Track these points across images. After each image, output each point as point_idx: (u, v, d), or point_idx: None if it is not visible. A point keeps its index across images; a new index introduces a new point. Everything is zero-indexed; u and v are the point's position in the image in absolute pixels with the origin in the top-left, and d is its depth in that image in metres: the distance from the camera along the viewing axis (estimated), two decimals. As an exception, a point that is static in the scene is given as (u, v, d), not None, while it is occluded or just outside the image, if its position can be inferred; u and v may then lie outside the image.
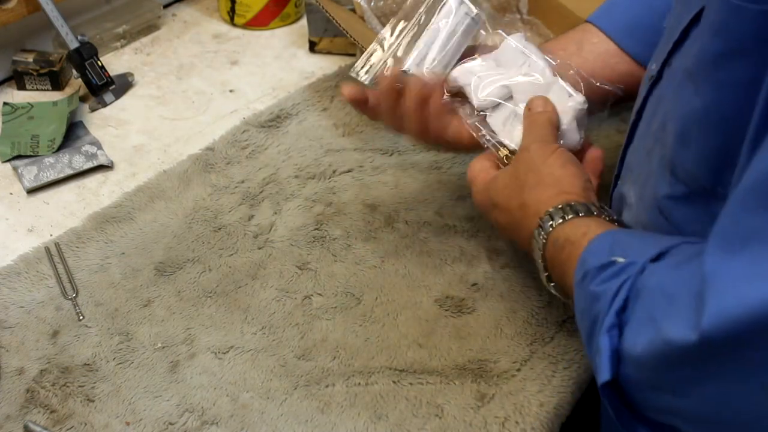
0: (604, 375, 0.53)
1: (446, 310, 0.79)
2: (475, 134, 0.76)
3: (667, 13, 0.67)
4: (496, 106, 0.76)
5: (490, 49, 0.79)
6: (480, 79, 0.76)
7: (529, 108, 0.74)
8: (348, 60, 1.12)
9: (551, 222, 0.64)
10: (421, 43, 0.76)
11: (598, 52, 0.80)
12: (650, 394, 0.53)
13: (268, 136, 0.99)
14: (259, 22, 1.18)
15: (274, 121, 1.01)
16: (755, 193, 0.45)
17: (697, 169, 0.56)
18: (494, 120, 0.76)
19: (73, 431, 0.69)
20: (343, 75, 1.08)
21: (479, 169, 0.75)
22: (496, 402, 0.71)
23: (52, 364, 0.74)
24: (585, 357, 0.75)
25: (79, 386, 0.72)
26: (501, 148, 0.75)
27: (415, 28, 0.77)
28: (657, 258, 0.54)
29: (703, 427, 0.50)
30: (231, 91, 1.08)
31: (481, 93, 0.75)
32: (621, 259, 0.55)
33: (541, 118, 0.73)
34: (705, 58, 0.54)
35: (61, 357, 0.75)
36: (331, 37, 1.12)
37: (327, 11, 0.99)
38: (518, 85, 0.75)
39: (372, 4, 1.09)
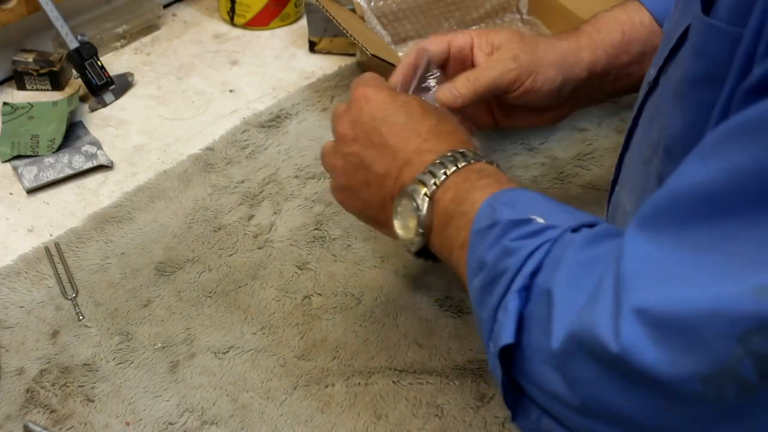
0: (507, 337, 0.50)
1: (446, 310, 0.79)
2: None
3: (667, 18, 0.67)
4: None
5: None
6: None
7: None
8: (348, 60, 1.12)
9: (475, 154, 0.62)
10: None
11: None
12: (545, 371, 0.49)
13: (268, 136, 0.99)
14: (259, 22, 1.18)
15: (274, 121, 1.01)
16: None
17: None
18: None
19: (73, 431, 0.69)
20: (343, 75, 1.09)
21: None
22: (496, 402, 0.71)
23: (52, 364, 0.74)
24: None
25: (79, 386, 0.72)
26: None
27: None
28: (577, 230, 0.52)
29: (582, 422, 0.48)
30: (231, 91, 1.08)
31: None
32: (540, 220, 0.53)
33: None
34: (686, 78, 0.53)
35: (61, 357, 0.75)
36: (331, 37, 1.12)
37: (327, 11, 0.99)
38: None
39: (372, 4, 1.09)
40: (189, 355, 0.75)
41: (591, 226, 0.53)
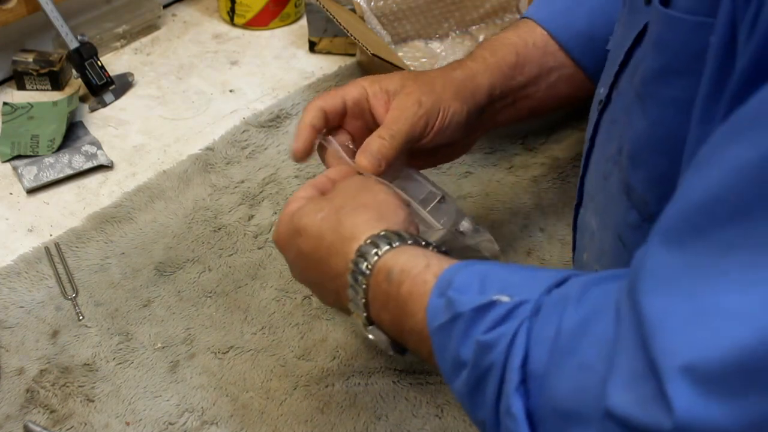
0: None
1: (446, 310, 0.79)
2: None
3: (610, 36, 0.65)
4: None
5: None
6: None
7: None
8: (348, 60, 1.12)
9: (376, 250, 0.56)
10: None
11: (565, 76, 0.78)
12: None
13: (268, 136, 0.99)
14: (259, 22, 1.18)
15: (274, 121, 1.01)
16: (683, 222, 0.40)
17: (647, 194, 0.54)
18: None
19: (73, 431, 0.69)
20: (343, 75, 1.09)
21: (294, 197, 0.66)
22: (496, 402, 0.71)
23: (52, 364, 0.74)
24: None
25: (79, 386, 0.72)
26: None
27: None
28: (549, 293, 0.47)
29: None
30: (231, 91, 1.08)
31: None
32: (505, 298, 0.47)
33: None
34: (647, 75, 0.51)
35: (61, 357, 0.75)
36: (331, 37, 1.12)
37: (327, 11, 0.99)
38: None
39: (372, 4, 1.09)
40: (189, 355, 0.75)
41: (561, 283, 0.47)
